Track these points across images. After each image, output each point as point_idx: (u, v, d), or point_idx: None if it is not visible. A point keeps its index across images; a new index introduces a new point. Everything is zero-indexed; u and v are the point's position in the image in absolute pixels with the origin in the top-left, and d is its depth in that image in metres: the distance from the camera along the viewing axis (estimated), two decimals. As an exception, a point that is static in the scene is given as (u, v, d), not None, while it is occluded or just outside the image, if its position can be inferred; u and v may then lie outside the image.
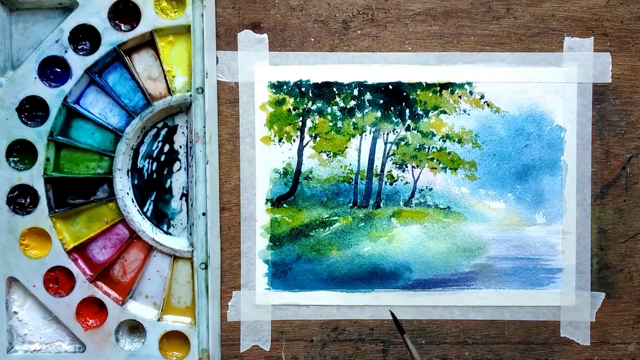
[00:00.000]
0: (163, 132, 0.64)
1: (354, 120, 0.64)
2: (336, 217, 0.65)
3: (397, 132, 0.64)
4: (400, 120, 0.64)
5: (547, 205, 0.65)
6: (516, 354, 0.65)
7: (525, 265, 0.65)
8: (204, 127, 0.61)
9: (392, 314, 0.60)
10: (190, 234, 0.63)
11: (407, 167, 0.65)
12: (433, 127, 0.64)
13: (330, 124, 0.64)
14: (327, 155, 0.65)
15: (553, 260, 0.65)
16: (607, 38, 0.64)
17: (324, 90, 0.64)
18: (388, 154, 0.65)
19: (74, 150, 0.63)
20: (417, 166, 0.65)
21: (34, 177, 0.62)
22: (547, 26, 0.64)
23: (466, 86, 0.64)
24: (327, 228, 0.65)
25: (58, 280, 0.63)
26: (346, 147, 0.64)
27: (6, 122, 0.62)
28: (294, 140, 0.64)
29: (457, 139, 0.64)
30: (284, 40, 0.64)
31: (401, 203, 0.65)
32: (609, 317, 0.65)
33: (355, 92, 0.64)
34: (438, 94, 0.64)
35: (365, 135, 0.64)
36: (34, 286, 0.63)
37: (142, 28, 0.61)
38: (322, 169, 0.65)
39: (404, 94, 0.64)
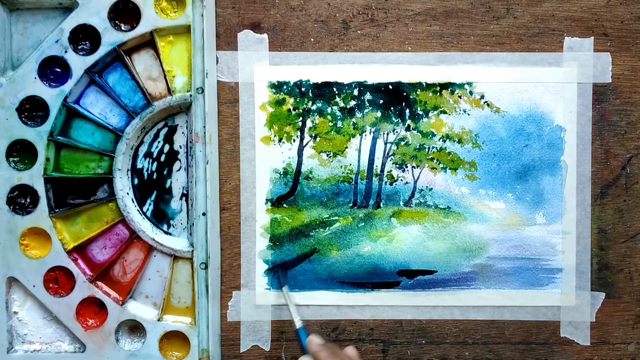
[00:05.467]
0: (163, 132, 0.64)
1: (354, 120, 0.64)
2: (336, 217, 0.65)
3: (397, 132, 0.64)
4: (400, 120, 0.64)
5: (547, 205, 0.65)
6: (516, 354, 0.65)
7: (525, 265, 0.65)
8: (204, 127, 0.61)
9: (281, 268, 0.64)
10: (190, 234, 0.63)
11: (407, 167, 0.65)
12: (433, 127, 0.64)
13: (330, 124, 0.64)
14: (327, 155, 0.65)
15: (553, 260, 0.65)
16: (607, 38, 0.64)
17: (324, 90, 0.64)
18: (388, 154, 0.65)
19: (74, 150, 0.63)
20: (417, 166, 0.65)
21: (34, 177, 0.62)
22: (547, 26, 0.64)
23: (466, 86, 0.64)
24: (327, 228, 0.65)
25: (58, 280, 0.63)
26: (346, 147, 0.64)
27: (6, 122, 0.62)
28: (294, 140, 0.64)
29: (457, 139, 0.64)
30: (284, 40, 0.64)
31: (401, 203, 0.65)
32: (609, 317, 0.65)
33: (355, 92, 0.64)
34: (438, 94, 0.64)
35: (365, 135, 0.64)
36: (34, 286, 0.63)
37: (142, 28, 0.61)
38: (322, 169, 0.65)
39: (404, 94, 0.64)
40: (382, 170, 0.65)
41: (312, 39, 0.64)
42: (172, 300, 0.64)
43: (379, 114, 0.64)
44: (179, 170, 0.64)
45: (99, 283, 0.64)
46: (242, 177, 0.64)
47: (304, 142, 0.64)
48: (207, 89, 0.61)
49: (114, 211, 0.63)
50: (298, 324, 0.60)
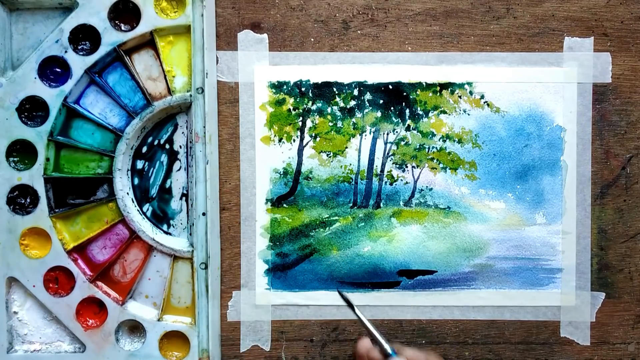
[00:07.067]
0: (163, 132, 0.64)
1: (354, 120, 0.64)
2: (336, 217, 0.65)
3: (397, 132, 0.64)
4: (400, 120, 0.64)
5: (547, 205, 0.65)
6: (516, 354, 0.65)
7: (525, 265, 0.65)
8: (204, 127, 0.61)
9: (340, 293, 0.58)
10: (190, 234, 0.63)
11: (407, 167, 0.65)
12: (433, 127, 0.64)
13: (330, 124, 0.64)
14: (327, 155, 0.65)
15: (553, 260, 0.65)
16: (607, 38, 0.64)
17: (324, 90, 0.64)
18: (388, 154, 0.65)
19: (74, 150, 0.63)
20: (417, 166, 0.65)
21: (34, 177, 0.62)
22: (547, 26, 0.64)
23: (466, 86, 0.64)
24: (327, 228, 0.65)
25: (58, 280, 0.63)
26: (346, 147, 0.64)
27: (6, 122, 0.62)
28: (294, 140, 0.64)
29: (457, 139, 0.64)
30: (284, 40, 0.64)
31: (401, 203, 0.65)
32: (609, 317, 0.65)
33: (355, 92, 0.64)
34: (438, 94, 0.64)
35: (365, 135, 0.64)
36: (34, 286, 0.63)
37: (142, 28, 0.61)
38: (322, 169, 0.65)
39: (404, 94, 0.64)
40: (382, 170, 0.65)
41: (312, 39, 0.64)
42: (172, 300, 0.64)
43: (379, 114, 0.64)
44: (179, 170, 0.64)
45: (99, 283, 0.64)
46: (242, 177, 0.64)
47: (304, 142, 0.64)
48: (207, 89, 0.61)
49: (114, 211, 0.63)
50: (389, 349, 0.54)
